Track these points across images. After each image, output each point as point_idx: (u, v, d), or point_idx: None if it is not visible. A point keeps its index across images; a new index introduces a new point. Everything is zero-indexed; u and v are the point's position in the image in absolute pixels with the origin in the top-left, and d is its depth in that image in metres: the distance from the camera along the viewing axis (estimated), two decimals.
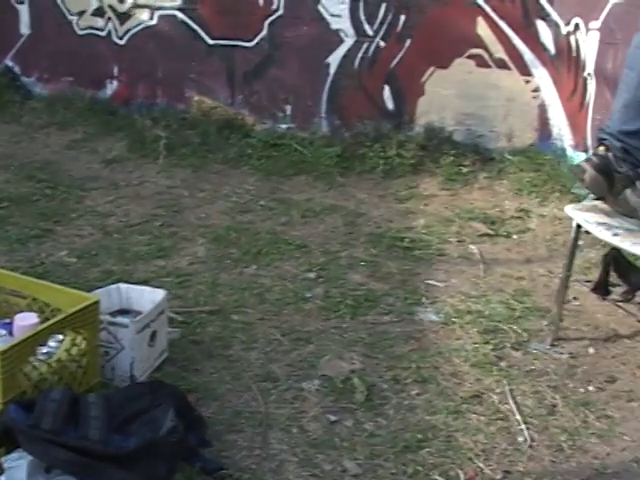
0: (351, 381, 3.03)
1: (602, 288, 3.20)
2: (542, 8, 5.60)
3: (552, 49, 5.59)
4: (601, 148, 3.11)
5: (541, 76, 5.66)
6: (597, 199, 3.19)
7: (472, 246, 4.43)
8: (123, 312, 3.18)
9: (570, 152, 5.30)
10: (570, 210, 3.17)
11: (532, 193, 5.10)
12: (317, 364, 3.16)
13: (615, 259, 3.08)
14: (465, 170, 5.51)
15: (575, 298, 3.79)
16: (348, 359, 3.20)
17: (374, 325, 3.50)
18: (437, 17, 5.75)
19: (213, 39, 6.28)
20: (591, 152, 3.23)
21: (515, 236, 4.63)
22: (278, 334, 3.38)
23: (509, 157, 5.56)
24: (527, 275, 4.10)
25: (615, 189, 3.05)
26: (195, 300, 3.67)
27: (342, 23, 5.91)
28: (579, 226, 3.14)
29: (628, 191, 2.89)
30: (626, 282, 3.11)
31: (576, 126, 5.30)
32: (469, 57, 5.75)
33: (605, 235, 2.92)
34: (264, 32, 6.08)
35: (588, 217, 3.06)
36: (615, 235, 2.89)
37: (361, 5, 5.86)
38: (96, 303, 2.80)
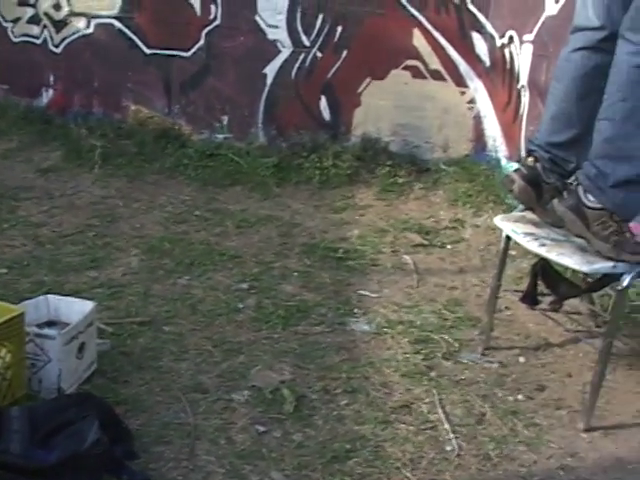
0: (280, 392, 3.01)
1: (531, 298, 3.22)
2: (477, 20, 5.66)
3: (487, 61, 5.65)
4: (530, 159, 3.14)
5: (476, 87, 5.72)
6: (526, 209, 3.21)
7: (406, 256, 4.45)
8: (51, 324, 3.13)
9: (504, 163, 5.35)
10: (499, 221, 3.20)
11: (467, 203, 5.13)
12: (247, 375, 3.14)
13: (543, 269, 3.11)
14: (401, 181, 5.55)
15: (507, 307, 3.82)
16: (278, 370, 3.18)
17: (305, 336, 3.49)
18: (373, 28, 5.77)
19: (150, 48, 6.24)
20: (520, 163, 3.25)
21: (449, 246, 4.66)
22: (209, 345, 3.36)
23: (444, 168, 5.60)
24: (460, 285, 4.13)
25: (544, 199, 3.07)
26: (126, 311, 3.62)
27: (279, 34, 5.91)
28: (509, 237, 3.17)
29: (555, 201, 2.91)
30: (554, 292, 3.14)
31: (510, 137, 5.35)
32: (405, 68, 5.79)
33: (532, 245, 2.94)
34: (201, 42, 6.06)
35: (516, 227, 3.08)
36: (542, 245, 2.91)
37: (298, 16, 5.87)
38: (21, 315, 2.76)
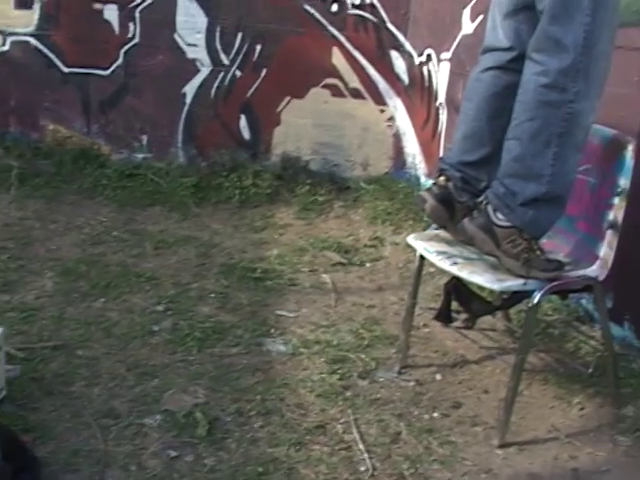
0: (194, 415, 2.96)
1: (444, 316, 3.23)
2: (396, 39, 5.71)
3: (406, 79, 5.69)
4: (441, 178, 3.16)
5: (396, 105, 5.76)
6: (440, 228, 3.23)
7: (325, 275, 4.44)
8: None
9: (424, 180, 5.39)
10: (412, 240, 3.21)
11: (386, 221, 5.15)
12: (160, 399, 3.08)
13: (456, 287, 3.12)
14: (321, 199, 5.56)
15: (425, 325, 3.83)
16: (192, 393, 3.14)
17: (221, 358, 3.45)
18: (293, 47, 5.79)
19: (68, 67, 6.14)
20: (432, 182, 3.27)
21: (368, 264, 4.67)
22: (123, 369, 3.30)
23: (364, 186, 5.62)
24: (378, 303, 4.13)
25: (456, 218, 3.09)
26: (39, 336, 3.54)
27: (198, 52, 5.89)
28: (423, 255, 3.18)
29: (465, 220, 2.93)
30: (467, 310, 3.15)
31: (429, 155, 5.40)
32: (324, 87, 5.81)
33: (444, 264, 2.95)
34: (120, 60, 5.99)
35: (429, 246, 3.09)
36: (454, 264, 2.92)
37: (217, 35, 5.85)
38: None
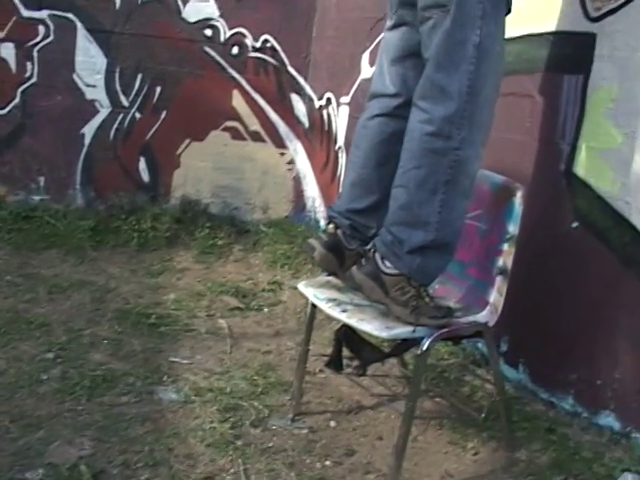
0: (78, 468, 2.87)
1: (335, 363, 3.21)
2: (296, 82, 5.73)
3: (306, 122, 5.71)
4: (330, 226, 3.16)
5: (296, 149, 5.77)
6: (330, 275, 3.22)
7: (221, 320, 4.40)
8: None
9: (323, 224, 5.39)
10: (302, 287, 3.19)
11: (285, 265, 5.14)
12: (45, 451, 2.98)
13: (347, 334, 3.11)
14: (220, 243, 5.52)
15: (321, 371, 3.81)
16: (78, 444, 3.04)
17: (111, 407, 3.36)
18: (193, 89, 5.77)
19: None
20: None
21: (266, 309, 4.64)
22: (7, 420, 3.18)
23: (264, 229, 5.61)
24: (275, 349, 4.10)
25: (346, 265, 3.08)
26: None
27: (97, 93, 5.81)
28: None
29: (354, 268, 2.92)
30: (358, 357, 3.14)
31: (329, 198, 5.41)
32: (225, 129, 5.80)
33: (334, 311, 2.94)
34: (17, 100, 5.87)
35: (319, 293, 3.08)
36: (344, 311, 2.91)
37: (117, 76, 5.79)
38: None
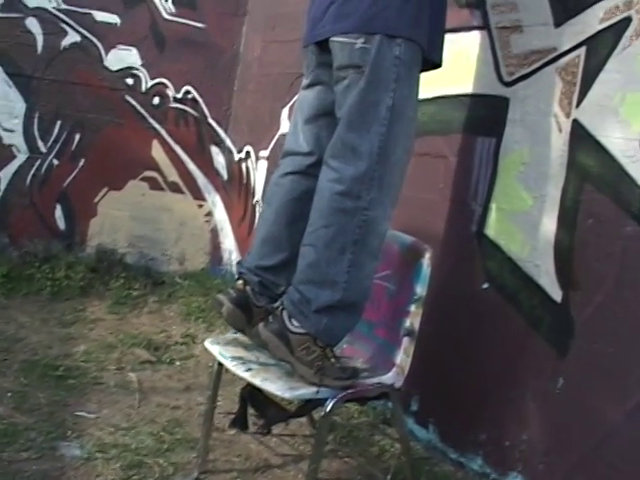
0: None
1: (240, 422, 3.17)
2: (217, 134, 5.73)
3: (225, 175, 5.70)
4: (239, 282, 3.14)
5: (214, 201, 5.75)
6: (237, 331, 3.19)
7: (131, 374, 4.31)
8: None
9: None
10: (208, 344, 3.14)
11: (199, 319, 5.09)
12: None
13: (251, 393, 3.07)
14: (135, 293, 5.44)
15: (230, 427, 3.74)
16: None
17: (10, 463, 3.23)
18: (112, 138, 5.72)
19: None
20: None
21: (178, 363, 4.57)
22: None
23: (180, 281, 5.56)
24: (184, 404, 4.03)
25: (254, 322, 3.05)
26: None
27: (15, 138, 5.72)
28: None
29: (260, 325, 2.89)
30: (263, 416, 3.10)
31: (245, 251, 5.35)
32: (143, 179, 5.76)
33: (239, 370, 2.89)
34: None
35: (225, 351, 3.04)
36: (248, 370, 2.87)
37: (35, 121, 5.71)
38: None
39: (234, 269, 5.43)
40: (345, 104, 2.83)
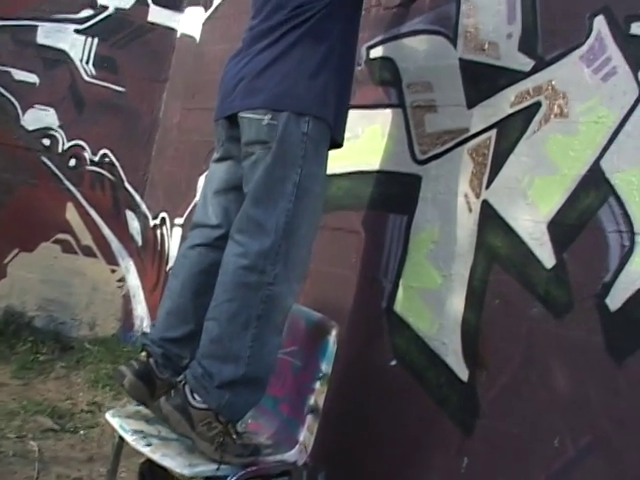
0: None
1: None
2: (133, 199, 5.68)
3: (139, 240, 5.65)
4: (143, 354, 3.09)
5: (127, 267, 5.69)
6: (140, 404, 3.12)
7: (32, 442, 4.17)
8: None
9: None
10: (109, 416, 3.07)
11: (107, 386, 4.98)
12: None
13: (151, 469, 3.01)
14: (42, 358, 5.31)
15: None
16: None
17: None
18: (26, 198, 5.63)
19: None
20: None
21: (82, 432, 4.45)
22: None
23: (89, 347, 5.45)
24: (86, 475, 3.92)
25: (156, 395, 3.00)
26: None
27: None
28: None
29: (162, 399, 2.84)
30: None
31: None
32: (56, 242, 5.67)
33: (138, 445, 2.82)
34: None
35: (126, 424, 2.97)
36: (148, 445, 2.81)
37: None
38: None
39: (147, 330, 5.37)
40: (252, 179, 2.84)
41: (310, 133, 2.84)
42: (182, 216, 5.19)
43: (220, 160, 3.16)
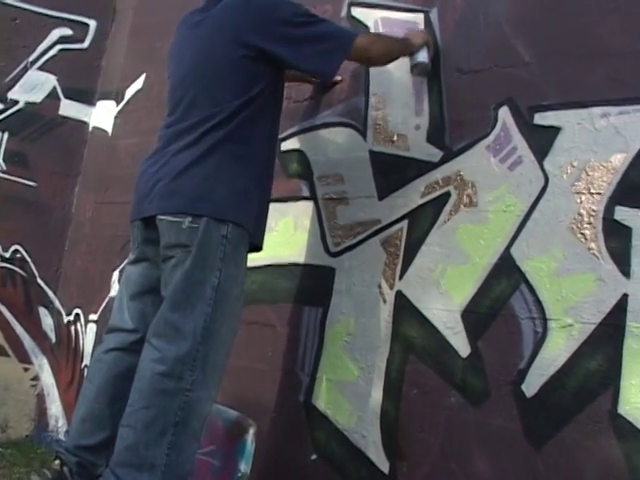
0: None
1: None
2: (46, 295, 5.57)
3: (53, 337, 5.54)
4: (56, 462, 3.01)
5: (41, 364, 5.55)
6: None
7: None
8: None
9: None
10: None
11: None
12: None
13: None
14: None
15: None
16: None
17: None
18: None
19: None
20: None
21: None
22: None
23: (1, 450, 5.27)
24: None
25: None
26: None
27: None
28: None
29: None
30: None
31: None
32: None
33: None
34: None
35: None
36: None
37: None
38: None
39: (61, 436, 5.24)
40: (171, 283, 2.82)
41: (229, 236, 2.85)
42: (97, 312, 5.11)
43: (136, 262, 3.13)
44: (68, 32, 5.78)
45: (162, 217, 2.89)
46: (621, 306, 2.76)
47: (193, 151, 2.90)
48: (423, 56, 3.40)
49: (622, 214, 2.82)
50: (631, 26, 2.95)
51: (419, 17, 3.59)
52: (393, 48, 3.36)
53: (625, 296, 2.76)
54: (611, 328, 2.77)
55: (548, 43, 3.15)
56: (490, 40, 3.33)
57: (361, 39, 3.19)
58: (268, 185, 3.14)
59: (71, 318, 5.39)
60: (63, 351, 5.43)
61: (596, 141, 2.92)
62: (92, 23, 5.88)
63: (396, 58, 3.42)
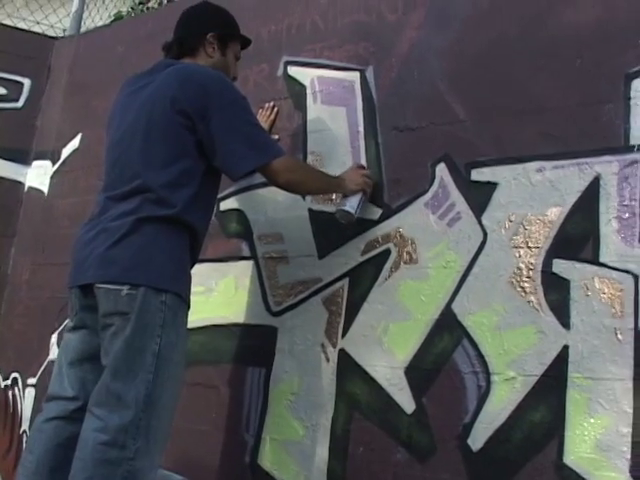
0: None
1: None
2: None
3: None
4: None
5: None
6: None
7: None
8: None
9: None
10: None
11: None
12: None
13: None
14: None
15: None
16: None
17: None
18: None
19: None
20: None
21: None
22: None
23: None
24: None
25: None
26: None
27: None
28: None
29: None
30: None
31: None
32: None
33: None
34: None
35: None
36: None
37: None
38: None
39: None
40: (111, 351, 2.79)
41: (168, 302, 2.83)
42: (35, 375, 5.02)
43: (74, 329, 3.08)
44: (2, 91, 5.72)
45: (100, 285, 2.86)
46: (562, 357, 2.79)
47: (129, 219, 2.87)
48: (351, 205, 3.32)
49: (560, 267, 2.86)
50: (562, 83, 3.01)
51: (355, 75, 3.62)
52: (315, 184, 3.33)
53: (566, 347, 2.79)
54: (553, 379, 2.80)
55: (482, 100, 3.20)
56: (425, 98, 3.38)
57: (281, 161, 3.10)
58: (199, 250, 3.13)
59: (8, 382, 5.29)
60: (0, 417, 5.32)
61: (532, 196, 2.97)
62: (26, 82, 5.82)
63: (317, 194, 3.47)
